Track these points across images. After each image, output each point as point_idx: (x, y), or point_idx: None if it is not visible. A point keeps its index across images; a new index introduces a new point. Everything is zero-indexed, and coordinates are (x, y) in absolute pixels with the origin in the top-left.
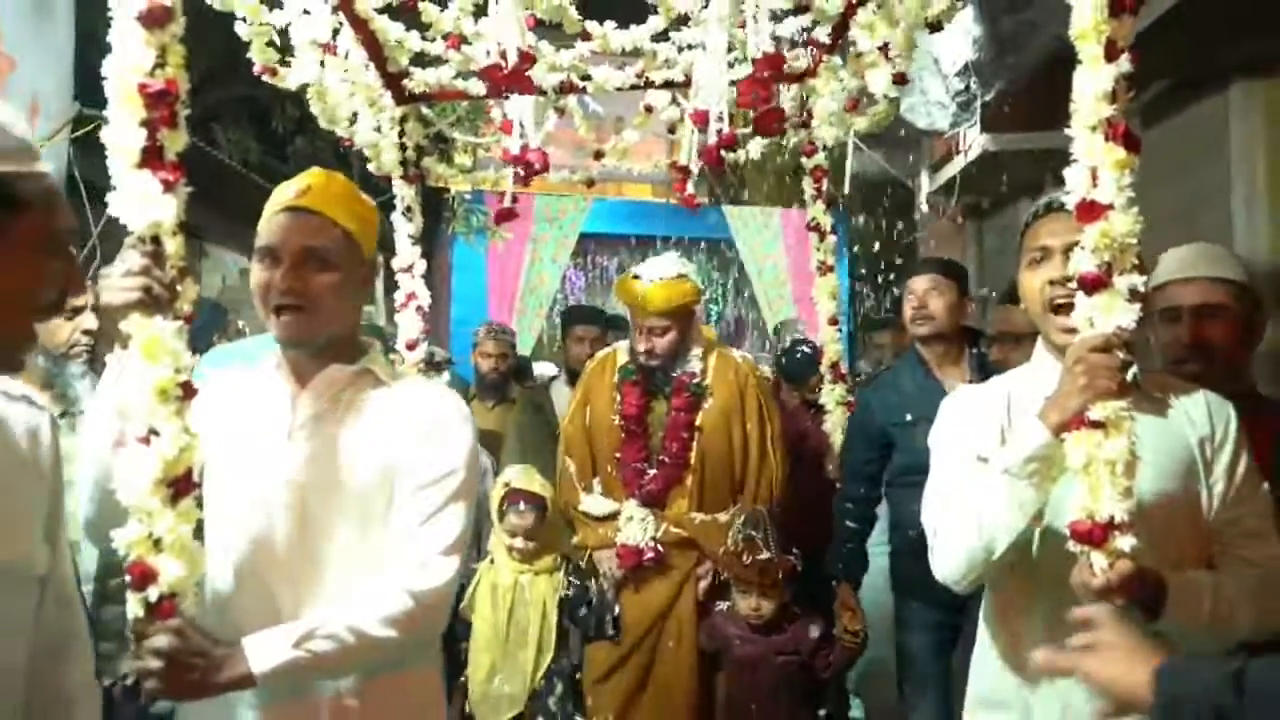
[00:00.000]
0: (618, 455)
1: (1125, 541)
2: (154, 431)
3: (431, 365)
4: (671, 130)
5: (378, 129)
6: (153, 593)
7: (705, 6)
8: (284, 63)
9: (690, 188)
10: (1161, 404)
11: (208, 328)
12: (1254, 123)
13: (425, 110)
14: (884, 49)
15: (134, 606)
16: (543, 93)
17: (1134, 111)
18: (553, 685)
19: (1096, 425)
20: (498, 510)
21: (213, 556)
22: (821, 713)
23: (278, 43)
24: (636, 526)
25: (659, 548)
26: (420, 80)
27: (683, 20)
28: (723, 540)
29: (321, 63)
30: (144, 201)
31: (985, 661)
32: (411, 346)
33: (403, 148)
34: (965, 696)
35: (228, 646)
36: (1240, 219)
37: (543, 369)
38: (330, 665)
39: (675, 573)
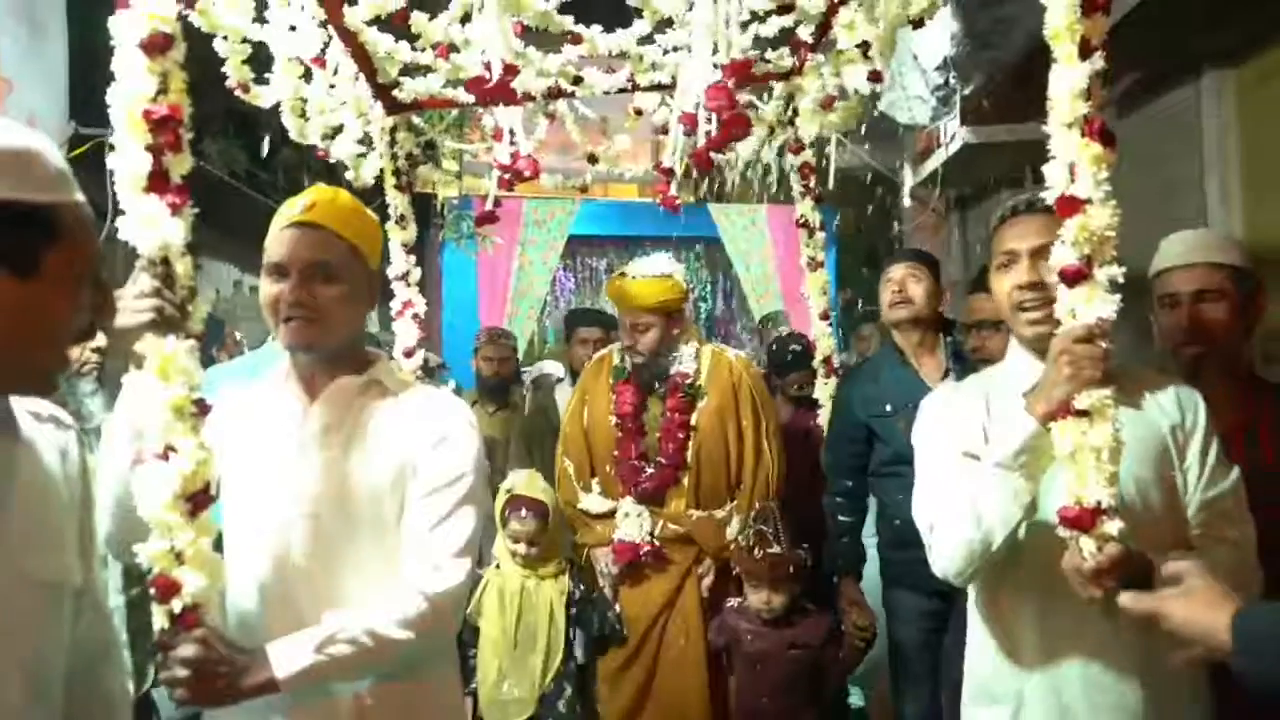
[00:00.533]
0: (615, 454)
1: (1112, 526)
2: (171, 448)
3: (425, 371)
4: (664, 131)
5: (363, 140)
6: (176, 604)
7: (690, 9)
8: (263, 80)
9: (674, 189)
10: (1134, 394)
11: (207, 341)
12: (1225, 111)
13: (415, 119)
14: (863, 46)
15: (159, 618)
16: (531, 98)
17: (1109, 102)
18: (561, 688)
19: (1082, 414)
20: (500, 516)
21: (231, 568)
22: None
23: (258, 59)
24: (633, 523)
25: (655, 544)
26: (410, 90)
27: (667, 23)
28: (720, 536)
29: (308, 76)
30: (152, 224)
31: (978, 656)
32: (409, 354)
33: (394, 157)
34: (954, 684)
35: (251, 653)
36: (1214, 205)
37: (551, 369)
38: (350, 668)
39: (674, 569)
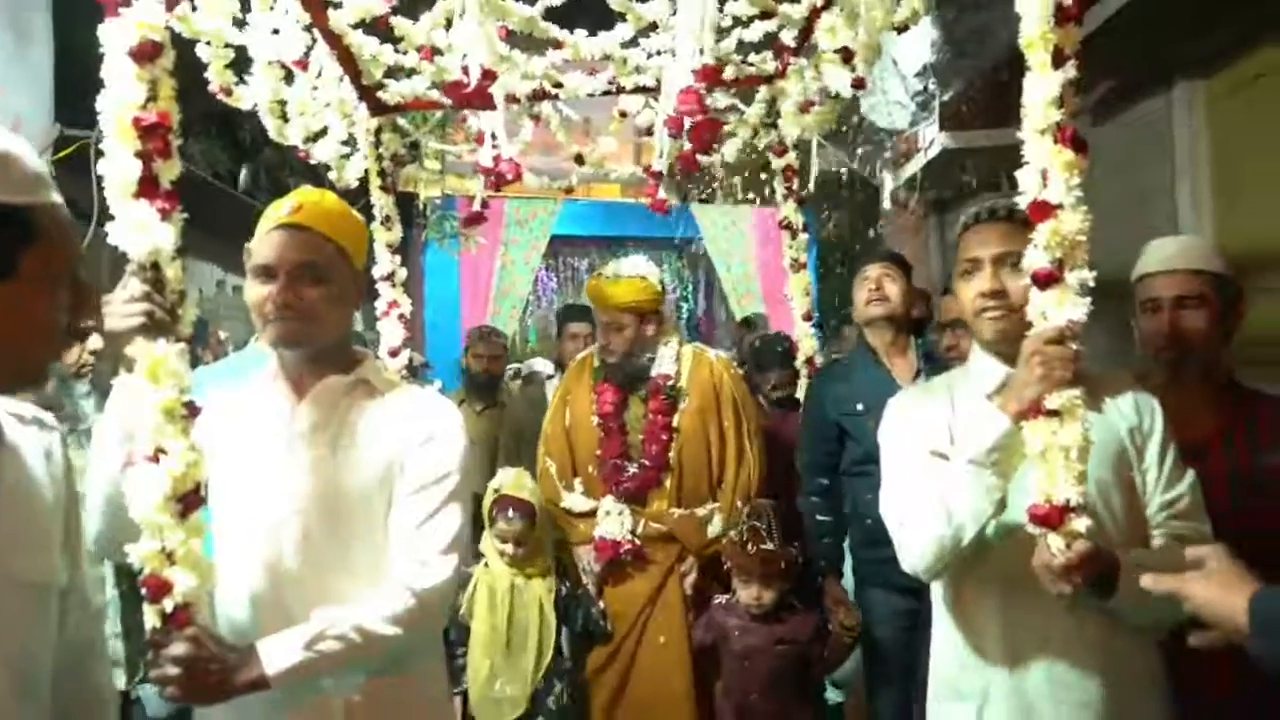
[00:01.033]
0: (598, 454)
1: (1081, 523)
2: (161, 450)
3: (410, 370)
4: (649, 133)
5: (347, 141)
6: (168, 604)
7: (673, 14)
8: (241, 82)
9: (661, 191)
10: (1094, 397)
11: (193, 342)
12: (1196, 120)
13: (400, 120)
14: (843, 51)
15: (151, 617)
16: (516, 100)
17: (1082, 110)
18: (551, 685)
19: (1052, 414)
20: (488, 516)
21: (221, 567)
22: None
23: (239, 61)
24: (614, 521)
25: (636, 542)
26: (395, 91)
27: (651, 27)
28: (702, 535)
29: (290, 78)
30: (142, 230)
31: (944, 653)
32: (394, 354)
33: (380, 158)
34: (921, 681)
35: (242, 651)
36: (1185, 211)
37: (541, 366)
38: (339, 663)
39: (656, 567)
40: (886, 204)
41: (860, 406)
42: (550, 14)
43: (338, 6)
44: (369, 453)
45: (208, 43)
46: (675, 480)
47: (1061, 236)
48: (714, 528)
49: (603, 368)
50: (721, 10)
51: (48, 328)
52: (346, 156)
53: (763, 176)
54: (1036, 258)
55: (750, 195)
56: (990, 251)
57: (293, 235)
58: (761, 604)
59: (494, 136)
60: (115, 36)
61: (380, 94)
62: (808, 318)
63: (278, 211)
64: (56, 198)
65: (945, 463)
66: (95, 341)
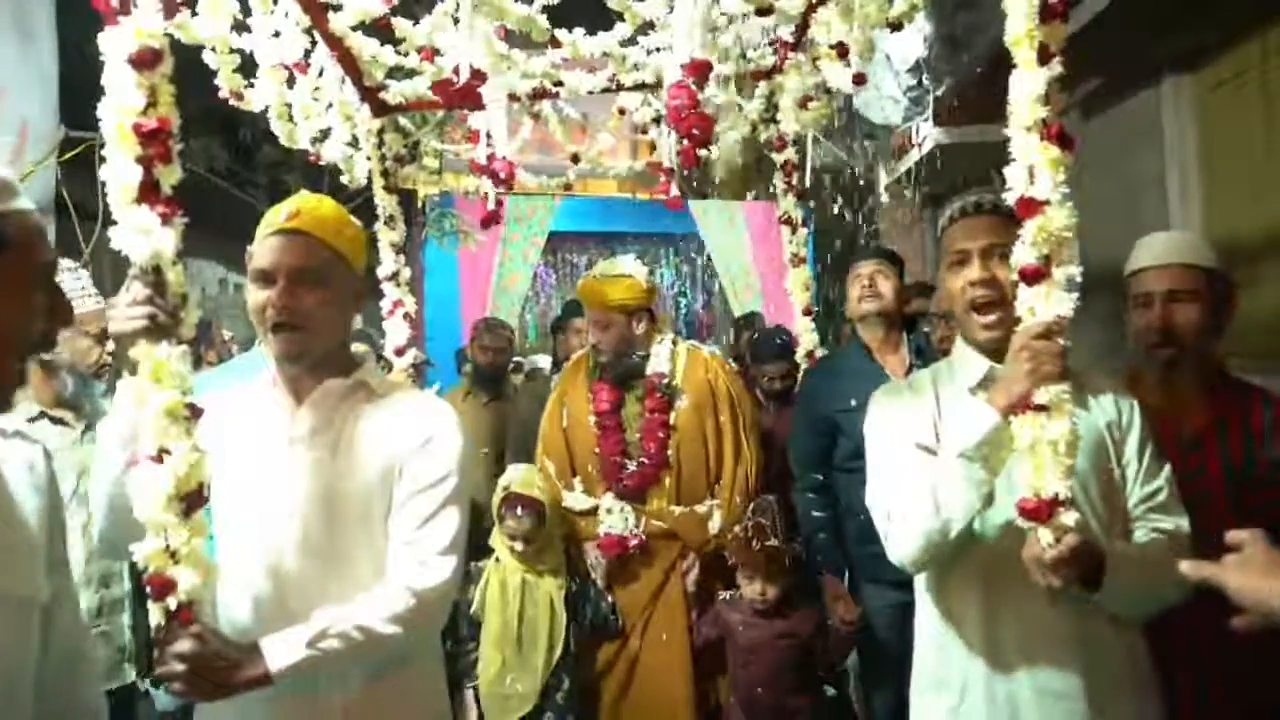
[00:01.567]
0: (596, 451)
1: (1069, 517)
2: (165, 450)
3: (414, 369)
4: (644, 131)
5: (352, 142)
6: (172, 601)
7: (670, 12)
8: (250, 85)
9: (674, 189)
10: (1077, 393)
11: (196, 341)
12: (1184, 115)
13: (402, 120)
14: (839, 47)
15: (155, 615)
16: (516, 99)
17: (1069, 106)
18: (560, 681)
19: (1041, 408)
20: (497, 513)
21: (222, 568)
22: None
23: (241, 67)
24: (617, 518)
25: (642, 536)
26: (397, 92)
27: (649, 25)
28: (703, 531)
29: (291, 81)
30: (144, 234)
31: (925, 644)
32: (400, 352)
33: (382, 158)
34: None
35: (245, 648)
36: (1175, 204)
37: (544, 363)
38: (340, 661)
39: (660, 562)
40: (884, 199)
41: (853, 402)
42: (548, 13)
43: (338, 9)
44: (368, 455)
45: (213, 48)
46: (674, 477)
47: (1048, 233)
48: (714, 524)
49: (598, 367)
50: (718, 4)
51: (16, 335)
52: (350, 157)
53: (759, 171)
54: (1024, 254)
55: (753, 191)
56: (978, 243)
57: (291, 240)
58: (766, 599)
59: (489, 135)
60: (115, 44)
61: (382, 94)
62: (807, 312)
63: (276, 217)
64: (25, 204)
65: (931, 456)
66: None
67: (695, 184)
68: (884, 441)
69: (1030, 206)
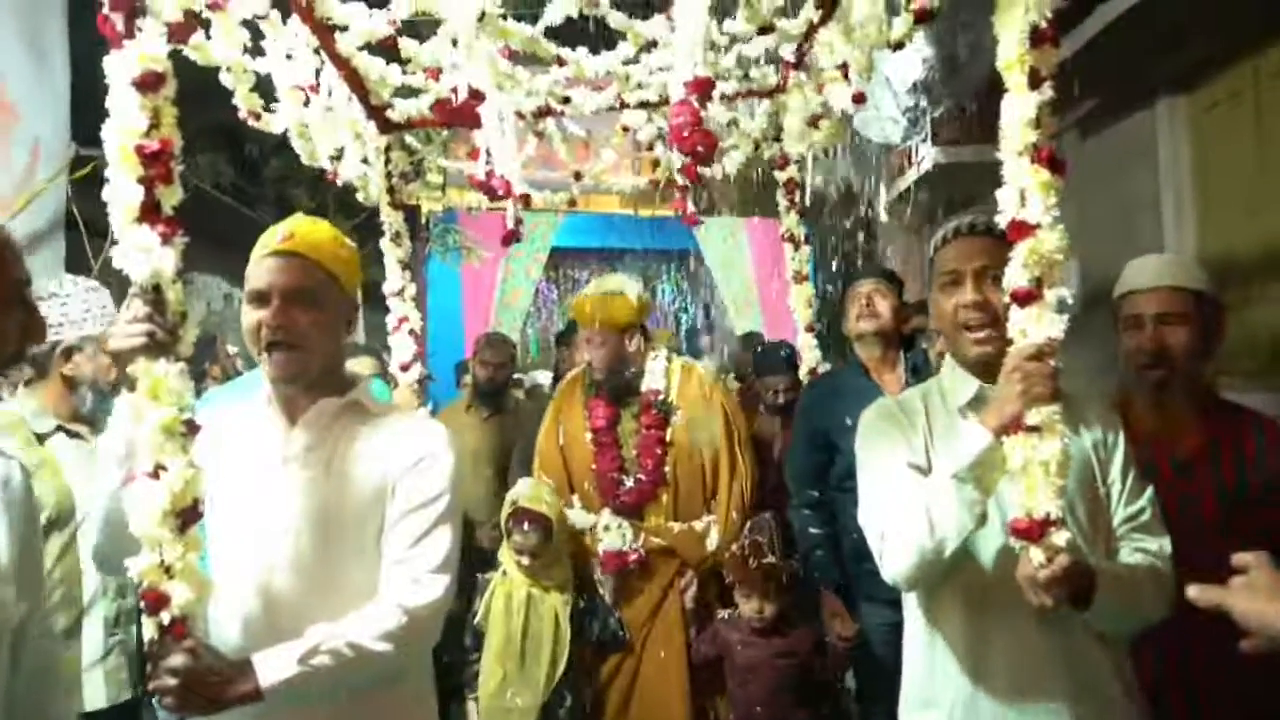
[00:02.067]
0: (593, 468)
1: (1060, 536)
2: (161, 466)
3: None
4: (650, 147)
5: (365, 161)
6: (165, 616)
7: (673, 32)
8: (267, 108)
9: (690, 205)
10: (1067, 414)
11: (199, 357)
12: (1178, 135)
13: (409, 138)
14: (843, 68)
15: (149, 629)
16: (522, 117)
17: (1060, 130)
18: (563, 697)
19: (1032, 429)
20: (504, 528)
21: (216, 586)
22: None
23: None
24: (615, 535)
25: (642, 551)
26: (403, 110)
27: (653, 44)
28: (701, 548)
29: (306, 101)
30: (144, 253)
31: (914, 662)
32: (405, 368)
33: (389, 175)
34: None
35: (237, 663)
36: (1169, 222)
37: (544, 379)
38: (331, 679)
39: (659, 579)
40: (882, 217)
41: (849, 421)
42: (551, 34)
43: (344, 30)
44: (361, 474)
45: (228, 69)
46: (671, 493)
47: (1040, 255)
48: (711, 541)
49: (593, 384)
50: (720, 26)
51: None
52: (364, 175)
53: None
54: (1016, 276)
55: (755, 209)
56: (971, 265)
57: (286, 262)
58: (763, 617)
59: (488, 152)
60: (119, 67)
61: (388, 113)
62: (810, 329)
63: (271, 239)
64: None
65: (922, 476)
66: None
67: (706, 200)
68: (876, 460)
69: (1021, 229)
